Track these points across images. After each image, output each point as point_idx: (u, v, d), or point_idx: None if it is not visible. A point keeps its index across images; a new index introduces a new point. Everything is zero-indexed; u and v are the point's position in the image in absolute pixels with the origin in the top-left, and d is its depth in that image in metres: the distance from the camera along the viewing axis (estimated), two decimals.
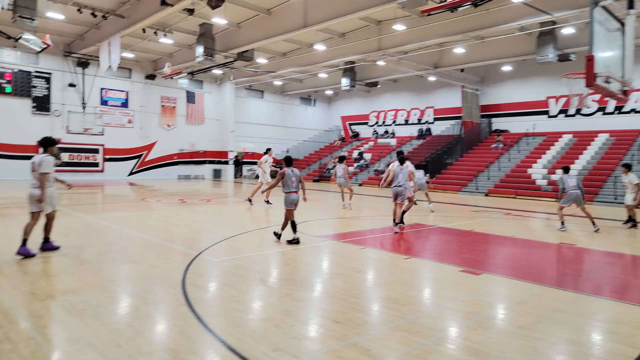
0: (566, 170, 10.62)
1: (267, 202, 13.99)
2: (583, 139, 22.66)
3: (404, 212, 9.78)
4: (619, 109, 22.71)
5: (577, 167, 20.44)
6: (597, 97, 22.20)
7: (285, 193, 7.71)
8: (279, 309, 4.47)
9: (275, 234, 7.96)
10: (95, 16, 18.41)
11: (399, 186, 9.41)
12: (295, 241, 7.60)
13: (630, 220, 11.03)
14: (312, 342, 3.69)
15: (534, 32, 19.11)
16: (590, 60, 6.93)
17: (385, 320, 4.24)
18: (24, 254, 6.24)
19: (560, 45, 19.10)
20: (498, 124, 27.67)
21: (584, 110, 23.66)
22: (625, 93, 8.49)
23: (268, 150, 14.88)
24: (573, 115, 24.26)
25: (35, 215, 6.40)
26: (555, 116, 25.08)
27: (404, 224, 9.71)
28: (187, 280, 5.38)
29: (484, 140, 27.35)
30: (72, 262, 6.17)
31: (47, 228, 6.67)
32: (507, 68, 25.66)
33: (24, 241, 6.27)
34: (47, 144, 6.49)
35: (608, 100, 22.41)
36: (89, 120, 26.13)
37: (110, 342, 3.59)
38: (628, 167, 10.99)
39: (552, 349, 3.62)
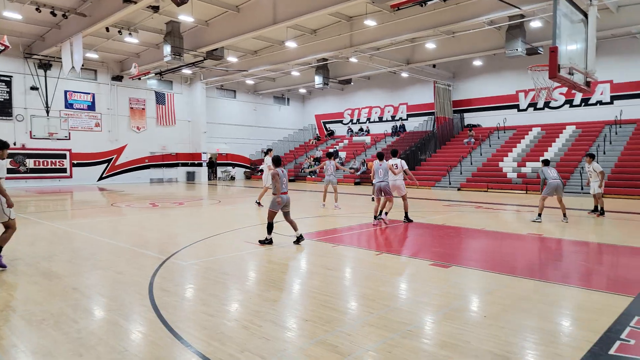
0: (546, 163, 10.84)
1: (259, 203, 13.63)
2: (551, 132, 23.34)
3: (383, 212, 10.01)
4: (585, 102, 23.47)
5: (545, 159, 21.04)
6: (564, 90, 22.90)
7: (275, 194, 7.50)
8: (248, 309, 4.41)
9: (262, 242, 7.60)
10: (55, 15, 17.76)
11: (381, 181, 9.83)
12: (267, 241, 7.54)
13: (597, 210, 11.42)
14: (280, 341, 3.65)
15: (503, 26, 19.54)
16: (553, 52, 7.10)
17: (355, 317, 4.24)
18: None
19: (528, 39, 19.58)
20: (470, 118, 28.20)
21: (552, 104, 24.37)
22: (589, 84, 8.77)
23: (269, 150, 14.41)
24: (542, 109, 24.94)
25: None
26: (524, 110, 25.72)
27: (386, 215, 10.02)
28: (154, 285, 5.25)
29: (456, 136, 27.83)
30: (36, 271, 5.94)
31: (4, 238, 6.10)
32: (477, 63, 26.16)
33: None
34: None
35: (575, 93, 23.13)
36: (54, 124, 25.23)
37: (71, 351, 3.46)
38: (592, 157, 11.38)
39: (516, 337, 3.68)
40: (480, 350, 3.41)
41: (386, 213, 9.93)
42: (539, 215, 10.32)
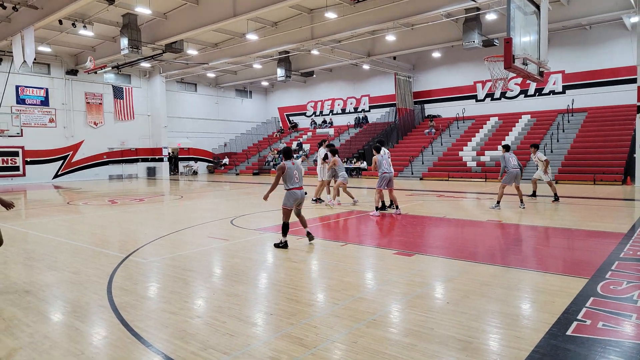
0: (507, 148, 11.17)
1: (317, 200, 12.55)
2: (508, 121, 24.21)
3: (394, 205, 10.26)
4: (539, 92, 24.46)
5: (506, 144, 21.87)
6: (520, 81, 23.78)
7: (288, 190, 6.76)
8: (211, 305, 4.33)
9: (277, 245, 6.81)
10: (4, 8, 16.70)
11: (387, 172, 10.03)
12: (282, 244, 6.71)
13: (534, 195, 12.30)
14: (245, 337, 3.60)
15: (460, 19, 19.99)
16: (508, 43, 7.31)
17: (320, 308, 4.24)
18: None
19: (484, 31, 20.14)
20: (430, 109, 28.81)
21: (508, 94, 25.26)
22: (542, 74, 9.12)
23: (323, 142, 13.16)
24: (498, 99, 25.80)
25: None
26: (482, 100, 26.53)
27: (399, 208, 10.20)
28: (113, 285, 5.06)
29: (417, 126, 28.39)
30: None
31: None
32: (436, 55, 26.70)
33: None
34: None
35: (529, 83, 24.08)
36: (5, 120, 23.71)
37: (24, 357, 3.28)
38: (536, 147, 12.20)
39: (477, 321, 3.79)
40: (444, 336, 3.49)
41: (396, 206, 10.16)
42: (498, 202, 10.69)
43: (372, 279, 5.24)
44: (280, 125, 36.99)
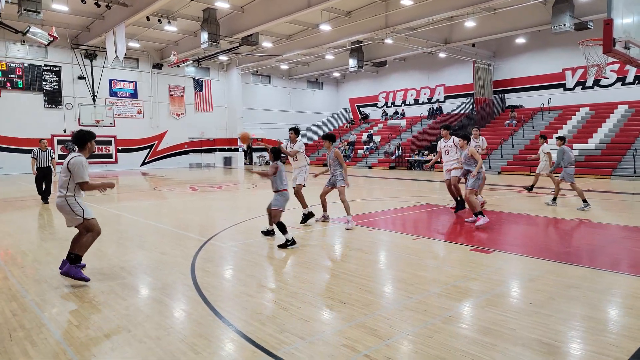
0: (563, 140, 10.25)
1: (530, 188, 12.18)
2: (601, 112, 22.04)
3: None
4: (639, 79, 21.94)
5: (594, 140, 19.94)
6: (616, 67, 21.51)
7: (279, 191, 6.44)
8: (286, 291, 4.46)
9: (284, 246, 6.32)
10: (99, 6, 18.36)
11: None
12: (290, 243, 6.24)
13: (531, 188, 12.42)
14: (319, 323, 3.67)
15: (549, 1, 18.46)
16: (608, 24, 6.62)
17: (393, 300, 4.19)
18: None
19: (577, 14, 18.40)
20: (512, 99, 27.07)
21: (603, 82, 22.96)
22: None
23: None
24: (591, 87, 23.54)
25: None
26: (572, 89, 24.39)
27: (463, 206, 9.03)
28: (196, 266, 5.40)
29: (497, 117, 26.83)
30: (87, 251, 6.23)
31: (83, 244, 4.91)
32: (520, 40, 24.93)
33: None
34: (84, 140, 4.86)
35: (628, 70, 21.68)
36: (100, 112, 26.36)
37: (120, 327, 3.62)
38: (544, 138, 12.55)
39: (564, 325, 3.53)
40: (527, 338, 3.29)
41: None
42: (555, 199, 10.10)
43: (448, 275, 5.07)
44: (351, 116, 36.93)
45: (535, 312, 3.78)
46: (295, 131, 8.16)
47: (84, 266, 5.08)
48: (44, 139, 12.07)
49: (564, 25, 17.75)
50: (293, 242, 6.24)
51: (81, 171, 4.64)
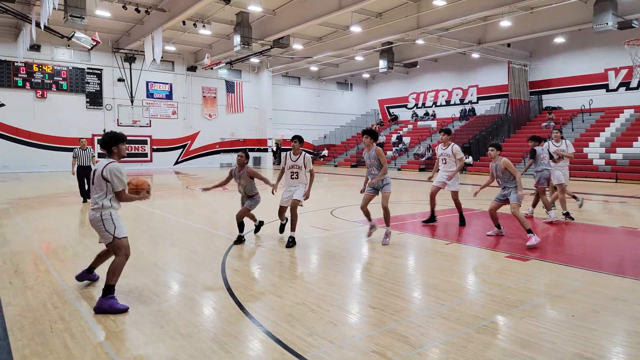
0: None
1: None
2: None
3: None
4: None
5: (639, 144, 18.96)
6: None
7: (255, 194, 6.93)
8: (315, 293, 4.42)
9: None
10: (139, 12, 18.96)
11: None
12: (240, 239, 6.63)
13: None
14: (348, 327, 3.61)
15: None
16: None
17: (424, 307, 4.08)
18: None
19: (620, 12, 17.51)
20: (549, 101, 26.11)
21: None
22: None
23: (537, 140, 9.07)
24: (636, 88, 22.37)
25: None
26: (615, 90, 23.26)
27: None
28: (226, 265, 5.45)
29: (533, 119, 25.93)
30: None
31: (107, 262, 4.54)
32: (559, 40, 24.00)
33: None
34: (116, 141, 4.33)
35: None
36: (137, 112, 27.23)
37: (153, 322, 3.69)
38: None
39: (609, 340, 3.33)
40: (569, 352, 3.12)
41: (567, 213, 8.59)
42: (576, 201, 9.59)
43: (482, 282, 4.90)
44: (380, 117, 36.62)
45: (577, 325, 3.60)
46: (299, 140, 7.24)
47: (97, 278, 4.82)
48: (83, 138, 12.22)
49: (607, 23, 16.92)
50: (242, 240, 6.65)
51: (119, 178, 4.14)
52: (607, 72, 23.38)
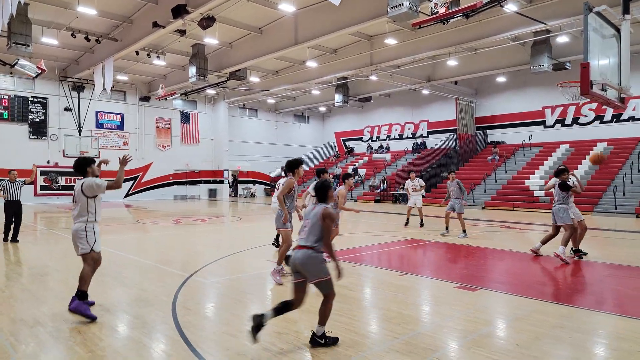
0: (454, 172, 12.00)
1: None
2: (580, 149, 22.71)
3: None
4: (616, 118, 22.79)
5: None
6: (594, 106, 22.36)
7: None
8: (270, 331, 4.34)
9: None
10: (89, 40, 18.54)
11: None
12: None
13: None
14: None
15: (527, 42, 19.33)
16: (585, 68, 6.89)
17: (378, 341, 4.12)
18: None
19: (555, 54, 19.23)
20: (494, 135, 27.78)
21: (582, 120, 23.82)
22: (623, 101, 8.48)
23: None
24: (570, 125, 24.35)
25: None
26: (551, 126, 25.17)
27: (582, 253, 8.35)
28: (177, 303, 5.25)
29: (479, 153, 27.42)
30: (65, 287, 6.04)
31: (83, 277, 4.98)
32: (501, 79, 25.88)
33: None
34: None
35: (605, 108, 22.54)
36: (85, 143, 26.14)
37: None
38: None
39: None
40: None
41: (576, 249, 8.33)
42: (464, 231, 10.94)
43: (433, 314, 5.02)
44: (337, 150, 37.32)
45: (521, 353, 3.75)
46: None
47: (92, 303, 5.06)
48: (13, 170, 10.31)
49: (543, 65, 18.52)
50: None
51: (99, 184, 4.82)
52: (544, 110, 25.33)
